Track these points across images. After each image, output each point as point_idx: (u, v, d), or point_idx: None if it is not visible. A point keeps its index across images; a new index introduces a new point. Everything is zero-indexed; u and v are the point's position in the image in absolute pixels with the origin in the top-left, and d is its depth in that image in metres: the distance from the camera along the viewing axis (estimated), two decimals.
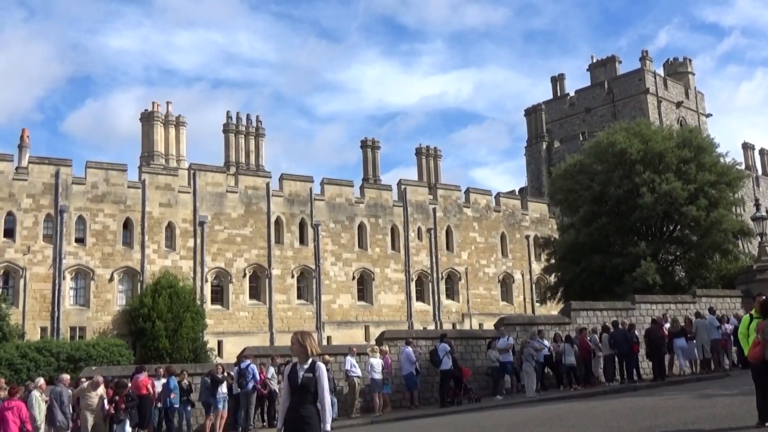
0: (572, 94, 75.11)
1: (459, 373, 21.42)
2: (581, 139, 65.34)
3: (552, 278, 43.58)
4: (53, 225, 41.23)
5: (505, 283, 56.68)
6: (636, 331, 22.98)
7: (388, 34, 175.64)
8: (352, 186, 52.22)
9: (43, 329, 39.76)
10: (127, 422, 17.66)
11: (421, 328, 44.53)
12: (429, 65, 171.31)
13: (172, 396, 18.84)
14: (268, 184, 48.41)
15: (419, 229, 53.43)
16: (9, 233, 40.34)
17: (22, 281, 39.93)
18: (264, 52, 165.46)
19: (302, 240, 48.91)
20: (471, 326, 50.30)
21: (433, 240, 53.50)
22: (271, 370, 20.08)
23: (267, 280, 46.87)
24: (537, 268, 55.21)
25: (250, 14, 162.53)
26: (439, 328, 48.19)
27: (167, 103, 57.62)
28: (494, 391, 21.78)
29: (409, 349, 21.28)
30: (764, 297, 11.73)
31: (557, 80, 77.50)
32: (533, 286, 56.60)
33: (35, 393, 16.48)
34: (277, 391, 19.00)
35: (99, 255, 42.25)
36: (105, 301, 41.98)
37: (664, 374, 22.00)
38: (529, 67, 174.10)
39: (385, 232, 52.11)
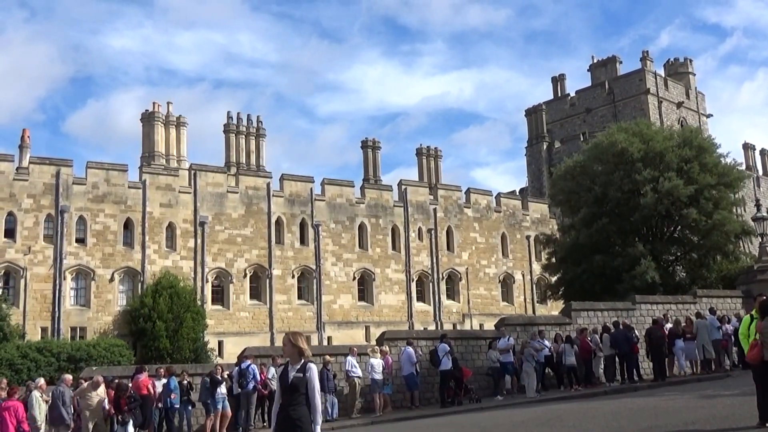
0: (573, 94, 75.12)
1: (459, 373, 21.42)
2: (582, 139, 65.33)
3: (552, 278, 43.59)
4: (54, 225, 41.24)
5: (506, 283, 56.67)
6: (636, 332, 22.99)
7: (389, 35, 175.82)
8: (353, 186, 52.21)
9: (44, 329, 39.76)
10: (131, 423, 17.68)
11: (422, 329, 44.49)
12: (430, 65, 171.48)
13: (172, 396, 18.84)
14: (268, 185, 48.41)
15: (420, 229, 53.42)
16: (10, 233, 40.34)
17: (22, 281, 39.93)
18: (265, 52, 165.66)
19: (303, 240, 48.90)
20: (471, 326, 50.28)
21: (433, 240, 53.49)
22: (272, 370, 20.05)
23: (267, 281, 46.87)
24: (537, 268, 55.20)
25: (251, 14, 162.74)
26: (439, 328, 48.17)
27: (168, 103, 57.72)
28: (495, 392, 21.77)
29: (410, 349, 21.27)
30: (764, 297, 11.73)
31: (558, 80, 77.50)
32: (534, 286, 56.60)
33: (35, 393, 16.48)
34: None
35: (99, 255, 42.26)
36: (105, 301, 41.98)
37: (665, 375, 21.99)
38: (529, 68, 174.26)
39: (385, 233, 52.11)
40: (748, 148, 78.86)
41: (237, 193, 47.22)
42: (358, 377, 20.65)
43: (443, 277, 53.55)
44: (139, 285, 42.66)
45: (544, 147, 71.82)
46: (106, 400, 17.66)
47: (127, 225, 43.52)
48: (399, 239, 52.56)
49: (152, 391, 18.75)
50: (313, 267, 48.48)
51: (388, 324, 46.18)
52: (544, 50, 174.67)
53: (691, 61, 76.91)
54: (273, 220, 47.74)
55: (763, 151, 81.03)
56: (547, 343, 22.82)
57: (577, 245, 36.77)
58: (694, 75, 76.03)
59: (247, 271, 46.48)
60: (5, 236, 40.20)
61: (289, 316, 47.12)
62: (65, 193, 41.78)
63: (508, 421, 15.48)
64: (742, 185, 39.60)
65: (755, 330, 10.79)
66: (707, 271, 35.91)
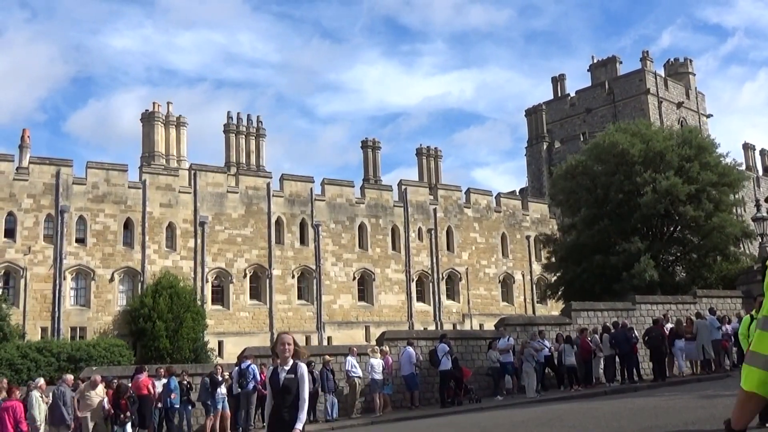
0: (573, 94, 75.14)
1: (459, 373, 21.42)
2: (582, 139, 65.37)
3: (552, 277, 43.61)
4: (54, 225, 41.25)
5: (506, 283, 56.68)
6: (636, 332, 23.00)
7: (389, 35, 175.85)
8: (353, 186, 52.22)
9: (44, 329, 39.77)
10: (129, 424, 17.69)
11: (422, 329, 44.50)
12: (430, 66, 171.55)
13: (172, 396, 18.84)
14: (268, 185, 48.42)
15: (420, 229, 53.43)
16: (10, 233, 40.36)
17: (22, 281, 39.94)
18: (265, 52, 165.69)
19: (303, 240, 48.91)
20: (471, 327, 50.30)
21: (433, 240, 53.49)
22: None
23: (267, 281, 46.88)
24: (537, 268, 55.24)
25: (251, 15, 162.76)
26: (439, 328, 48.18)
27: (168, 103, 57.76)
28: (495, 392, 21.77)
29: (411, 349, 21.28)
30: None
31: (558, 80, 77.52)
32: (534, 286, 56.63)
33: (35, 393, 16.49)
34: None
35: (99, 255, 42.27)
36: (105, 301, 41.99)
37: (665, 375, 21.99)
38: (530, 68, 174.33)
39: (385, 233, 52.11)
40: (748, 148, 78.88)
41: (237, 193, 47.22)
42: (358, 377, 20.66)
43: (443, 277, 53.56)
44: (139, 285, 42.67)
45: (544, 147, 71.84)
46: (106, 400, 17.66)
47: (127, 225, 43.52)
48: (399, 239, 52.57)
49: (152, 391, 18.76)
50: (313, 267, 48.49)
51: (388, 324, 46.20)
52: (545, 50, 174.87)
53: (691, 61, 76.93)
54: (273, 220, 47.75)
55: (763, 151, 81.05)
56: (547, 343, 22.82)
57: (577, 245, 36.79)
58: (694, 75, 76.05)
59: (247, 271, 46.48)
60: (5, 236, 40.21)
61: (289, 316, 47.13)
62: (65, 193, 41.78)
63: (508, 421, 15.48)
64: (742, 186, 39.59)
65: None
66: (707, 271, 35.90)
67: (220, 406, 19.25)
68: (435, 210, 54.22)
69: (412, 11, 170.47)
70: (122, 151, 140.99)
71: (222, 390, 19.31)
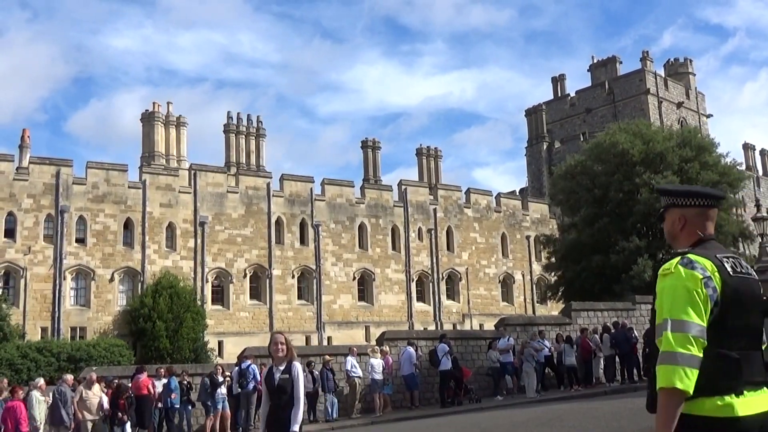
0: (573, 94, 75.12)
1: (459, 373, 21.42)
2: (582, 139, 65.35)
3: (552, 277, 43.60)
4: (54, 225, 41.23)
5: (506, 283, 56.66)
6: (636, 332, 23.00)
7: (389, 35, 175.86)
8: (353, 186, 52.21)
9: (44, 329, 39.76)
10: (128, 424, 17.69)
11: (422, 329, 44.47)
12: (430, 66, 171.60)
13: (172, 396, 18.84)
14: (268, 185, 48.40)
15: (420, 229, 53.42)
16: (10, 233, 40.34)
17: (22, 281, 39.93)
18: (266, 52, 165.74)
19: (303, 240, 48.89)
20: (471, 327, 50.26)
21: (433, 240, 53.48)
22: None
23: (267, 281, 46.87)
24: (537, 268, 55.22)
25: (251, 15, 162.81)
26: (439, 328, 48.13)
27: (168, 103, 57.76)
28: (495, 392, 21.77)
29: (411, 349, 21.28)
30: (765, 298, 11.70)
31: (558, 81, 77.50)
32: (534, 286, 56.60)
33: (35, 393, 16.47)
34: None
35: (99, 255, 42.26)
36: (105, 301, 41.98)
37: None
38: (530, 68, 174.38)
39: (385, 233, 52.10)
40: (748, 148, 78.84)
41: (237, 193, 47.21)
42: (359, 377, 20.66)
43: (443, 277, 53.54)
44: (139, 285, 42.65)
45: (544, 147, 71.83)
46: (105, 400, 17.65)
47: (127, 225, 43.51)
48: (399, 239, 52.55)
49: (152, 391, 18.76)
50: (313, 267, 48.48)
51: (388, 324, 46.16)
52: (545, 50, 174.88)
53: (691, 61, 76.91)
54: (273, 220, 47.73)
55: (763, 151, 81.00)
56: (547, 343, 22.83)
57: (577, 244, 36.81)
58: (694, 75, 76.04)
59: (247, 271, 46.47)
60: (5, 236, 40.20)
61: (289, 316, 47.13)
62: (65, 193, 41.77)
63: (508, 421, 15.48)
64: (742, 185, 39.59)
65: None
66: None
67: (220, 406, 19.25)
68: (435, 210, 54.21)
69: (413, 11, 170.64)
70: (122, 151, 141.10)
71: (222, 390, 19.31)
